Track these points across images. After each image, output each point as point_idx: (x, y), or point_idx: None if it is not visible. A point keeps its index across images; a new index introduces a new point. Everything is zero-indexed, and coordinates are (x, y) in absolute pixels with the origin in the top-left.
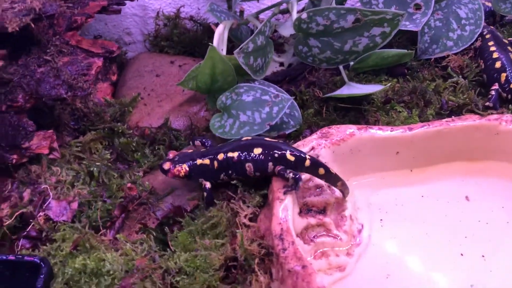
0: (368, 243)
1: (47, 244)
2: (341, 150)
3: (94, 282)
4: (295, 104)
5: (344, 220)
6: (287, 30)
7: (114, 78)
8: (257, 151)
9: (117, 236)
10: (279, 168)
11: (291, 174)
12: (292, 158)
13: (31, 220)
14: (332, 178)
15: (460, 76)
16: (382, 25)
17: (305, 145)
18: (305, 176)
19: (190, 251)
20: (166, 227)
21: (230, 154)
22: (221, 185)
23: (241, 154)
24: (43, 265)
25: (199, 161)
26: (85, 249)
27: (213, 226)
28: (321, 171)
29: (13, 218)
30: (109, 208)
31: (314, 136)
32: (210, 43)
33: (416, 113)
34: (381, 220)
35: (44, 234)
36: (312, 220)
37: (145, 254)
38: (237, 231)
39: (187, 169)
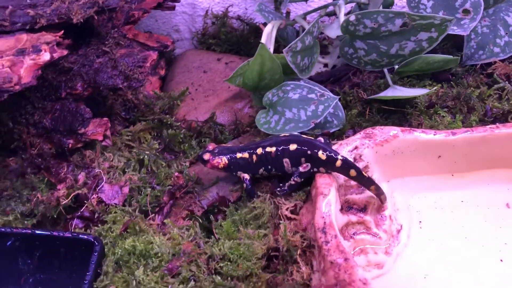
0: (407, 243)
1: (99, 225)
2: (384, 151)
3: (142, 263)
4: (339, 104)
5: (384, 220)
6: (333, 32)
7: (162, 72)
8: (293, 147)
9: (165, 221)
10: (295, 170)
11: (292, 181)
12: (323, 157)
13: (85, 202)
14: (364, 181)
15: (507, 83)
16: (430, 30)
17: (349, 144)
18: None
19: (234, 239)
20: (211, 215)
21: (268, 149)
22: (264, 178)
23: (278, 149)
24: (96, 244)
25: (238, 155)
26: (135, 232)
27: (256, 217)
28: (353, 172)
29: (69, 198)
30: (157, 195)
31: (358, 136)
32: (260, 42)
33: (460, 118)
34: (420, 222)
35: (96, 215)
36: (353, 218)
37: (191, 240)
38: (281, 222)
39: (226, 161)
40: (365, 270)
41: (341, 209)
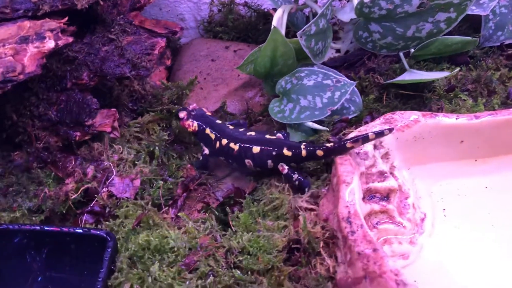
0: (432, 232)
1: (110, 219)
2: (405, 137)
3: (157, 258)
4: (356, 89)
5: (407, 208)
6: (346, 15)
7: (168, 62)
8: (256, 149)
9: (179, 214)
10: (285, 171)
11: (296, 182)
12: (289, 154)
13: (95, 196)
14: (336, 151)
15: None
16: (448, 10)
17: (368, 131)
18: (369, 161)
19: (252, 232)
20: (227, 207)
21: (231, 145)
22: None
23: (241, 149)
24: (109, 239)
25: (207, 131)
26: (148, 226)
27: (275, 208)
28: (320, 153)
29: (78, 193)
30: (170, 187)
31: (377, 121)
32: (273, 25)
33: (482, 101)
34: (444, 210)
35: (107, 209)
36: (376, 206)
37: (208, 233)
38: (300, 213)
39: (196, 128)
40: (388, 257)
41: (363, 198)
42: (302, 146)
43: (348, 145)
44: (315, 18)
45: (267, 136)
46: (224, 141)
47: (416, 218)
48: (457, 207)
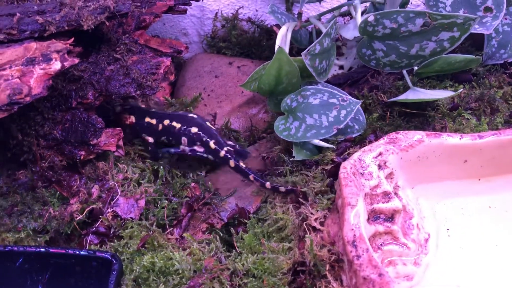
0: (436, 253)
1: (115, 240)
2: (409, 157)
3: (162, 280)
4: (360, 108)
5: (412, 229)
6: (350, 33)
7: (172, 78)
8: (194, 130)
9: (184, 235)
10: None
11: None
12: (213, 147)
13: (100, 216)
14: (242, 171)
15: None
16: (452, 29)
17: (373, 151)
18: (373, 182)
19: (257, 253)
20: (232, 228)
21: (174, 124)
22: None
23: (182, 127)
24: (115, 261)
25: (147, 119)
26: (153, 247)
27: (279, 229)
28: (232, 163)
29: (83, 213)
30: (174, 207)
31: (381, 141)
32: (278, 45)
33: (485, 120)
34: (448, 229)
35: (112, 230)
36: (380, 228)
37: (212, 255)
38: (306, 236)
39: (134, 121)
40: (394, 282)
41: (368, 219)
42: (225, 148)
43: (251, 177)
44: (319, 38)
45: (207, 124)
46: (167, 122)
47: (420, 238)
48: (461, 226)
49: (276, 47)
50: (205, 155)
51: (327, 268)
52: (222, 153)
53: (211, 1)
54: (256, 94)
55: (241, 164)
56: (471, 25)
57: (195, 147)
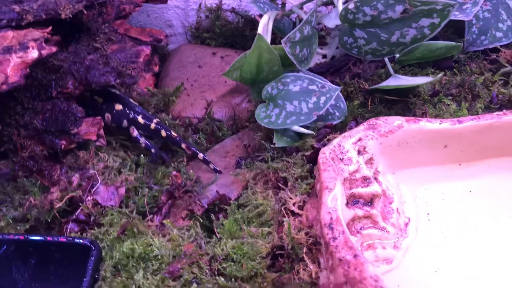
0: (415, 236)
1: (95, 228)
2: (389, 142)
3: (141, 266)
4: (341, 95)
5: (391, 213)
6: (331, 21)
7: (156, 69)
8: (118, 107)
9: (164, 222)
10: (134, 134)
11: (143, 145)
12: (142, 121)
13: (80, 204)
14: (174, 141)
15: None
16: (432, 16)
17: (352, 136)
18: (353, 167)
19: (237, 239)
20: (212, 214)
21: (96, 97)
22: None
23: (104, 103)
24: (93, 248)
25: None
26: (133, 234)
27: (259, 214)
28: (163, 133)
29: (63, 201)
30: (155, 195)
31: (361, 127)
32: (258, 33)
33: (465, 106)
34: (428, 214)
35: (92, 218)
36: (359, 212)
37: (192, 240)
38: (284, 219)
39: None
40: (373, 265)
41: (347, 204)
42: (155, 120)
43: (183, 145)
44: (299, 25)
45: (132, 101)
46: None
47: (400, 222)
48: (441, 211)
49: (259, 34)
50: (138, 131)
51: (304, 251)
52: (153, 125)
53: None
54: (240, 84)
55: (173, 133)
56: (451, 11)
57: (134, 134)
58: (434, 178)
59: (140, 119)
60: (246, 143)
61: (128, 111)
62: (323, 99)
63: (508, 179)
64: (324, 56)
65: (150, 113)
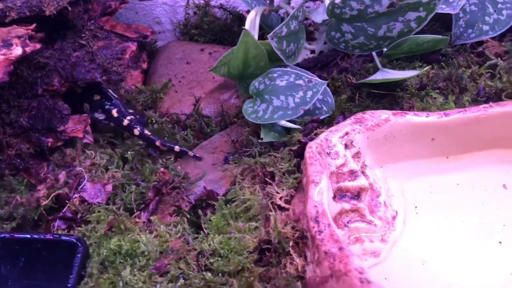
0: (403, 230)
1: (82, 225)
2: (376, 136)
3: (129, 262)
4: (328, 90)
5: (379, 206)
6: (319, 16)
7: (144, 66)
8: (96, 97)
9: (151, 218)
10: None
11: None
12: (116, 115)
13: (66, 202)
14: (147, 139)
15: (499, 59)
16: (418, 9)
17: (339, 131)
18: (339, 161)
19: (224, 234)
20: (200, 210)
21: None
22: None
23: (82, 93)
24: (79, 245)
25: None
26: (120, 231)
27: (247, 209)
28: (136, 132)
29: (49, 199)
30: (142, 191)
31: (348, 121)
32: (243, 27)
33: (452, 99)
34: (415, 207)
35: (79, 215)
36: (346, 205)
37: (179, 236)
38: (271, 213)
39: None
40: (361, 259)
41: (334, 197)
42: (128, 117)
43: (157, 143)
44: (286, 20)
45: (112, 94)
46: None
47: (388, 216)
48: (429, 204)
49: (245, 29)
50: (109, 122)
51: (291, 245)
52: (125, 122)
53: None
54: (228, 80)
55: (146, 132)
56: (436, 4)
57: (96, 114)
58: (422, 172)
59: (114, 112)
60: (234, 138)
61: (105, 102)
62: (309, 93)
63: (495, 172)
64: (313, 52)
65: (134, 110)
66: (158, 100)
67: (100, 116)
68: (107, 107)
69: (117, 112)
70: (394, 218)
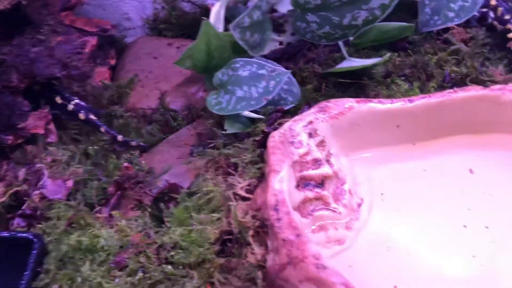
0: (368, 217)
1: (42, 222)
2: (340, 124)
3: (89, 258)
4: (294, 80)
5: (343, 194)
6: (284, 7)
7: (112, 62)
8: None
9: (112, 213)
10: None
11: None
12: (59, 101)
13: (25, 199)
14: (93, 124)
15: (462, 44)
16: None
17: (303, 120)
18: (303, 150)
19: (186, 226)
20: (162, 204)
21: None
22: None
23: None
24: (35, 241)
25: None
26: (80, 226)
27: (209, 201)
28: (81, 116)
29: (6, 196)
30: (104, 187)
31: (312, 110)
32: (203, 18)
33: (417, 85)
34: (382, 194)
35: (39, 212)
36: (310, 194)
37: (140, 230)
38: (230, 203)
39: None
40: (325, 247)
41: (297, 186)
42: (73, 102)
43: (102, 129)
44: (247, 10)
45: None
46: None
47: (353, 203)
48: (395, 191)
49: (205, 19)
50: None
51: (251, 234)
52: (71, 106)
53: None
54: (195, 73)
55: (91, 116)
56: None
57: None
58: (389, 159)
59: (57, 98)
60: (199, 131)
61: (46, 91)
62: (272, 83)
63: (461, 157)
64: (282, 43)
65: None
66: (124, 96)
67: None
68: (48, 94)
69: (61, 98)
70: (359, 205)
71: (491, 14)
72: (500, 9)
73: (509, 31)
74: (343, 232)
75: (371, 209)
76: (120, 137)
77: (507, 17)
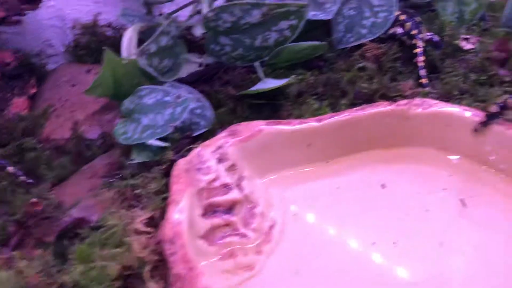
0: (279, 239)
1: None
2: (251, 147)
3: None
4: (207, 103)
5: (254, 218)
6: (198, 30)
7: (33, 91)
8: None
9: (13, 253)
10: None
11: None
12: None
13: None
14: None
15: (370, 62)
16: (289, 17)
17: (212, 145)
18: (211, 176)
19: (88, 263)
20: (66, 241)
21: None
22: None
23: None
24: None
25: None
26: None
27: (113, 235)
28: None
29: None
30: (6, 226)
31: (222, 134)
32: (103, 48)
33: (326, 103)
34: (294, 215)
35: None
36: (217, 221)
37: (41, 270)
38: (128, 239)
39: None
40: (234, 274)
41: (204, 214)
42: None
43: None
44: (153, 37)
45: None
46: None
47: (264, 226)
48: (309, 211)
49: (106, 48)
50: None
51: (147, 269)
52: None
53: (70, 10)
54: (111, 101)
55: None
56: (305, 11)
57: None
58: (302, 178)
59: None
60: (111, 161)
61: None
62: (178, 109)
63: (373, 172)
64: (201, 65)
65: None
66: (38, 127)
67: None
68: None
69: None
70: (271, 228)
71: (399, 30)
72: (408, 24)
73: (415, 46)
74: (253, 257)
75: (283, 231)
76: (10, 168)
77: (414, 32)
